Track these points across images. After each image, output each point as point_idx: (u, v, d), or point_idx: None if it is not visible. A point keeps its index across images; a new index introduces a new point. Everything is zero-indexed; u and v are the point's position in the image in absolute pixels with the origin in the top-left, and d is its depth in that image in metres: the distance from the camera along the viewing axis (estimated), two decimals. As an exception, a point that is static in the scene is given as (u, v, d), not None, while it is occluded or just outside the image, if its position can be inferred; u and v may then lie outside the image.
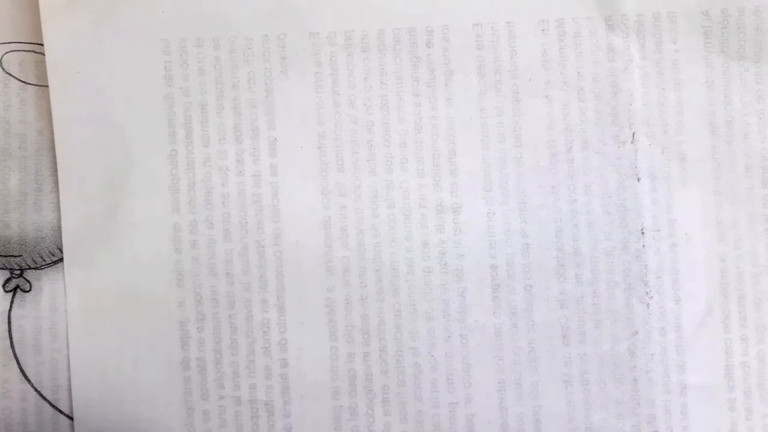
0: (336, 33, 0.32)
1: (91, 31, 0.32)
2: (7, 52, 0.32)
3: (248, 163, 0.32)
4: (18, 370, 0.32)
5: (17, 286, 0.32)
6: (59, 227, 0.32)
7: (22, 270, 0.32)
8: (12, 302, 0.32)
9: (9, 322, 0.32)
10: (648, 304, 0.32)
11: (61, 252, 0.32)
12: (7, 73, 0.32)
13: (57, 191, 0.32)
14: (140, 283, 0.32)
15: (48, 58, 0.32)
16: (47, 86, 0.32)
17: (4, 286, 0.32)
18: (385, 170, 0.32)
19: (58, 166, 0.32)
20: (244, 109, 0.32)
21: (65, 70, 0.32)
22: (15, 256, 0.32)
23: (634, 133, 0.32)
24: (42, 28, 0.32)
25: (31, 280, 0.32)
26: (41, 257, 0.32)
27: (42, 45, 0.32)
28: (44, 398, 0.32)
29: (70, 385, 0.32)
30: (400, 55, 0.32)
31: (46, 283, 0.32)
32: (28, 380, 0.32)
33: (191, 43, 0.32)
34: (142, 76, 0.32)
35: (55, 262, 0.32)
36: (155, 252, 0.32)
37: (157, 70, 0.32)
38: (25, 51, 0.32)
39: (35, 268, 0.32)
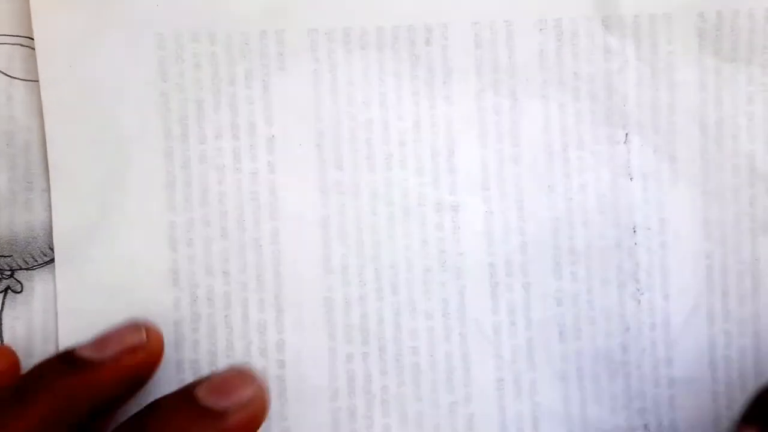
0: (334, 29, 0.32)
1: (83, 24, 0.31)
2: (-7, 45, 0.31)
3: (245, 160, 0.32)
4: (9, 374, 0.31)
5: (8, 287, 0.31)
6: (51, 227, 0.31)
7: (12, 270, 0.31)
8: (3, 303, 0.31)
9: (0, 324, 0.31)
10: (639, 300, 0.33)
11: (53, 252, 0.31)
12: (-8, 66, 0.31)
13: (48, 190, 0.31)
14: (134, 283, 0.31)
15: (38, 52, 0.31)
16: (36, 81, 0.31)
17: (-6, 287, 0.31)
18: (383, 168, 0.32)
19: (50, 163, 0.31)
20: (241, 106, 0.32)
21: (56, 64, 0.31)
22: (5, 257, 0.31)
23: (627, 134, 0.33)
24: (32, 20, 0.31)
25: (22, 280, 0.31)
26: (33, 258, 0.31)
27: (29, 38, 0.31)
28: (36, 402, 0.31)
29: (63, 389, 0.31)
30: (399, 52, 0.32)
31: (38, 284, 0.31)
32: (19, 384, 0.31)
33: (186, 37, 0.31)
34: (136, 71, 0.31)
35: (47, 263, 0.31)
36: (150, 251, 0.31)
37: (151, 65, 0.31)
38: (11, 44, 0.31)
39: (27, 269, 0.31)
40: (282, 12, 0.32)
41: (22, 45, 0.31)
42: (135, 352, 0.28)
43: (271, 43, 0.32)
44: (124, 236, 0.31)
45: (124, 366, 0.28)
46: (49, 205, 0.31)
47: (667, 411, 0.33)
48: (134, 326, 0.29)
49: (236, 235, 0.32)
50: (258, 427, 0.27)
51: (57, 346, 0.31)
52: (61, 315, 0.31)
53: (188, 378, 0.31)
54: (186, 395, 0.27)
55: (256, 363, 0.32)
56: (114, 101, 0.31)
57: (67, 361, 0.27)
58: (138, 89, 0.31)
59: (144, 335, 0.29)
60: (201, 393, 0.27)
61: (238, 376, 0.28)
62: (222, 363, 0.32)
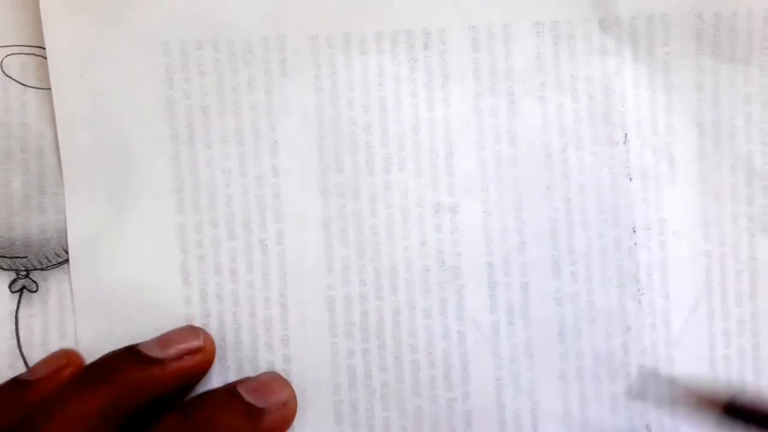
0: (334, 35, 0.33)
1: (93, 34, 0.32)
2: (8, 56, 0.32)
3: (250, 164, 0.33)
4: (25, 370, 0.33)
5: (24, 287, 0.32)
6: (64, 229, 0.32)
7: (28, 271, 0.32)
8: (19, 302, 0.32)
9: (16, 322, 0.32)
10: (639, 300, 0.33)
11: (67, 253, 0.32)
12: (7, 76, 0.32)
13: (60, 193, 0.32)
14: (146, 282, 0.32)
15: (50, 61, 0.32)
16: (48, 89, 0.32)
17: (10, 286, 0.32)
18: (383, 171, 0.33)
19: (63, 168, 0.32)
20: (245, 111, 0.33)
21: (67, 73, 0.32)
22: (20, 258, 0.32)
23: (626, 134, 0.33)
24: (43, 31, 0.32)
25: (37, 280, 0.32)
26: (47, 258, 0.32)
27: (42, 48, 0.32)
28: (52, 395, 0.33)
29: (77, 383, 0.33)
30: (397, 57, 0.33)
31: (53, 284, 0.32)
32: (36, 378, 0.33)
33: (191, 45, 0.32)
34: (144, 79, 0.32)
35: (60, 263, 0.32)
36: (161, 251, 0.33)
37: (158, 73, 0.32)
38: (25, 54, 0.32)
39: (41, 269, 0.32)
40: (283, 19, 0.32)
41: (35, 55, 0.32)
42: (194, 354, 0.31)
43: (272, 50, 0.33)
44: (136, 237, 0.32)
45: (184, 366, 0.31)
46: (62, 208, 0.32)
47: (668, 412, 0.33)
48: (193, 331, 0.32)
49: (243, 236, 0.33)
50: (288, 428, 0.31)
51: (75, 342, 0.32)
52: (78, 312, 0.32)
53: (197, 373, 0.33)
54: (231, 391, 0.30)
55: (263, 357, 0.33)
56: (123, 108, 0.32)
57: (133, 354, 0.30)
58: (146, 96, 0.32)
59: (202, 339, 0.32)
60: (244, 391, 0.30)
61: (275, 381, 0.31)
62: (231, 357, 0.33)
